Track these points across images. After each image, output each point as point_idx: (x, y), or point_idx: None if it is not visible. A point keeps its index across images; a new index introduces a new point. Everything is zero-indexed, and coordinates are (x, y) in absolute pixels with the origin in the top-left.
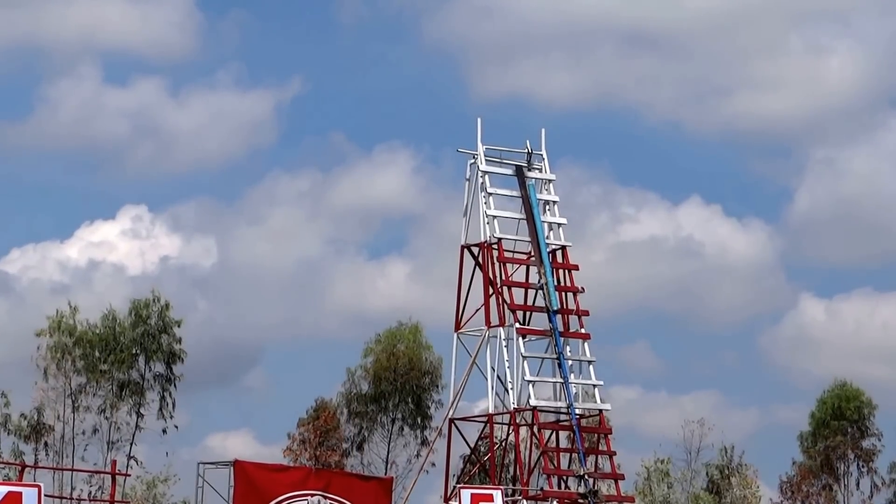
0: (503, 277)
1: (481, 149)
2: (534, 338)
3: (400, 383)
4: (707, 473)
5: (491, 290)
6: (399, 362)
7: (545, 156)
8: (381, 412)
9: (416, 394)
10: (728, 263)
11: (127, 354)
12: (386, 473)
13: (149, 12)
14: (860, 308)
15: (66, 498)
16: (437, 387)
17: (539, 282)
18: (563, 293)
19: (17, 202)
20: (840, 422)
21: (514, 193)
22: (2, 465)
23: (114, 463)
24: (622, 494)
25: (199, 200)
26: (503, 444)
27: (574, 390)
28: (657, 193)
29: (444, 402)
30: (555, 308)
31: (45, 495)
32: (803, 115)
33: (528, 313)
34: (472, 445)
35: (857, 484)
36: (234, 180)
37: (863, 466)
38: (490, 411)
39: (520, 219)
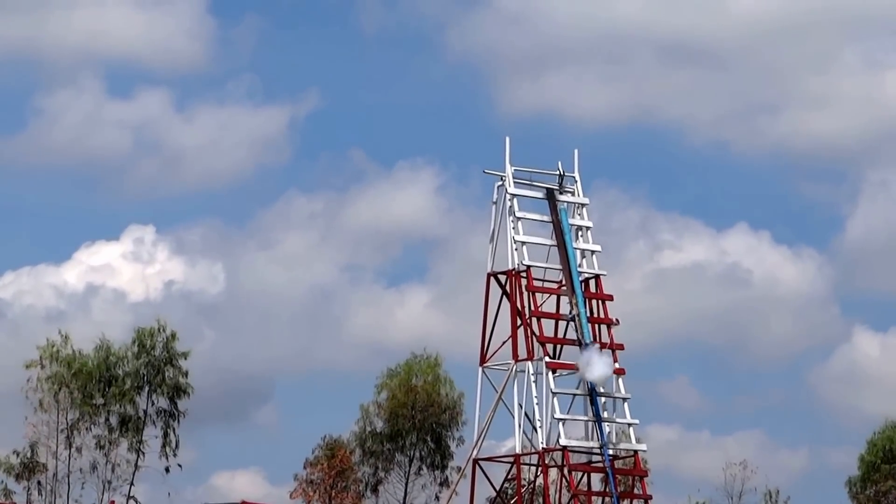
0: (532, 308)
1: (509, 170)
2: (564, 373)
3: (418, 420)
4: None
5: (519, 322)
6: (417, 397)
7: (578, 178)
8: (397, 451)
9: (436, 431)
10: (777, 294)
11: (130, 387)
12: None
13: (156, 19)
14: None
15: None
16: (458, 423)
17: (570, 313)
18: (597, 325)
19: (12, 222)
20: (891, 465)
21: (545, 218)
22: None
23: None
24: None
25: (206, 222)
26: (531, 486)
27: (607, 429)
28: (700, 219)
29: (465, 439)
30: (587, 341)
31: None
32: (857, 134)
33: (558, 346)
34: (498, 488)
35: None
36: (244, 201)
37: None
38: (517, 451)
39: (550, 245)
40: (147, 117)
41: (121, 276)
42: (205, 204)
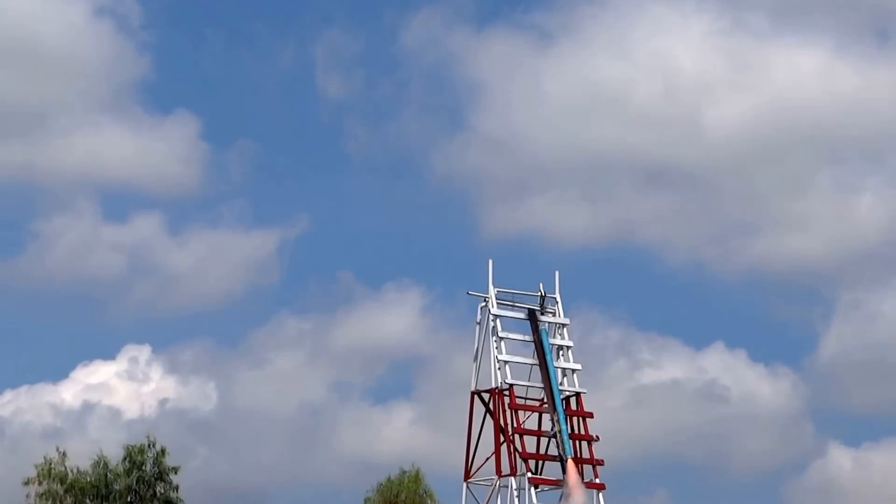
0: (515, 425)
1: (493, 291)
2: (547, 488)
3: None
4: None
5: (502, 438)
6: None
7: (559, 299)
8: None
9: None
10: (753, 410)
11: (122, 503)
12: None
13: (150, 144)
14: (889, 457)
15: None
16: None
17: (552, 430)
18: (577, 441)
19: (11, 342)
20: None
21: (527, 338)
22: None
23: None
24: None
25: (199, 342)
26: None
27: None
28: (678, 339)
29: None
30: (568, 457)
31: None
32: (831, 255)
33: (540, 462)
34: None
35: None
36: (236, 322)
37: None
38: None
39: (532, 364)
40: (141, 240)
41: (117, 395)
42: (198, 324)
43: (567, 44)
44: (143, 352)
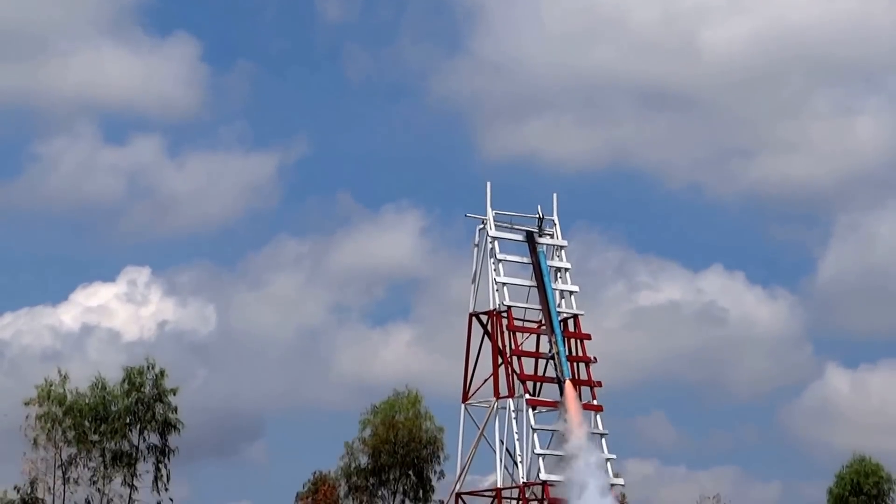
0: (513, 347)
1: (491, 213)
2: (544, 409)
3: (400, 455)
4: None
5: (500, 360)
6: (398, 434)
7: (556, 221)
8: (381, 486)
9: (418, 466)
10: (751, 332)
11: (120, 424)
12: None
13: (150, 66)
14: (886, 379)
15: None
16: (439, 458)
17: (550, 351)
18: (575, 363)
19: (11, 264)
20: (859, 498)
21: (525, 260)
22: None
23: None
24: None
25: (198, 264)
26: None
27: None
28: (677, 261)
29: (446, 472)
30: (566, 378)
31: None
32: (828, 178)
33: (538, 384)
34: None
35: None
36: (235, 244)
37: None
38: (498, 485)
39: (530, 286)
40: (141, 163)
41: (116, 317)
42: (197, 246)
43: None
44: (143, 274)
